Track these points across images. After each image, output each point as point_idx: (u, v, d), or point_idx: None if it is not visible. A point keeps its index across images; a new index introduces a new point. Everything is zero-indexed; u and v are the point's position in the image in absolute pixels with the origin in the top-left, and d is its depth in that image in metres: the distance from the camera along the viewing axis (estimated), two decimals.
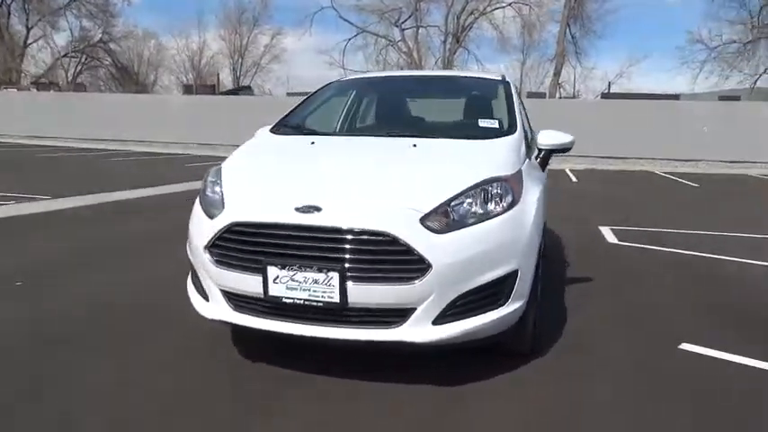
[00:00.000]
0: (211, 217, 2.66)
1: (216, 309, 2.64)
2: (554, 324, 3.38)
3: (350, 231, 2.36)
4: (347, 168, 2.93)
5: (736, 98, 21.14)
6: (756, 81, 28.36)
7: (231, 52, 41.24)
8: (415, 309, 2.38)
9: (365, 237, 2.35)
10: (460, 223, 2.47)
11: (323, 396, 2.53)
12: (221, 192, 2.77)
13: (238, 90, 27.20)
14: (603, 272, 4.67)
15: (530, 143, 3.53)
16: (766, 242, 6.11)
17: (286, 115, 3.89)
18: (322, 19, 65.02)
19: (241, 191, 2.75)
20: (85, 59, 39.64)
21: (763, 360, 2.93)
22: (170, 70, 42.99)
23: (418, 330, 2.39)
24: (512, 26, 34.29)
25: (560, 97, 27.69)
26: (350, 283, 2.34)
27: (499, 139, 3.24)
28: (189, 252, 2.86)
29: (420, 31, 34.30)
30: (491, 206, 2.57)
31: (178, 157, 16.61)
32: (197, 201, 2.91)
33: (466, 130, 3.58)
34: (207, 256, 2.58)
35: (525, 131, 3.57)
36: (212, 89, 27.87)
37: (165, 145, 20.22)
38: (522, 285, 2.60)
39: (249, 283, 2.48)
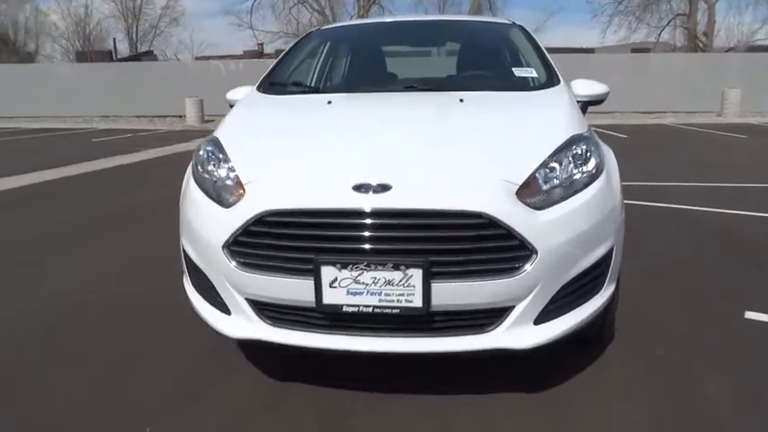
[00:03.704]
0: (225, 204, 2.01)
1: (245, 325, 2.01)
2: None
3: (435, 214, 1.81)
4: (398, 132, 2.28)
5: (647, 50, 22.04)
6: (660, 33, 29.64)
7: (124, 15, 37.68)
8: (513, 307, 1.88)
9: (454, 220, 1.81)
10: (558, 195, 1.95)
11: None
12: (231, 169, 2.10)
13: (140, 56, 24.97)
14: None
15: None
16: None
17: (272, 71, 3.16)
18: None
19: (264, 167, 2.08)
20: None
21: None
22: (53, 38, 38.53)
23: (519, 333, 1.90)
24: None
25: None
26: (433, 282, 1.80)
27: (550, 89, 2.73)
28: (189, 250, 2.18)
29: None
30: (583, 170, 2.05)
31: (80, 133, 14.86)
32: (190, 183, 2.23)
33: (504, 80, 3.02)
34: (226, 257, 1.95)
35: None
36: (109, 56, 25.51)
37: (62, 119, 18.01)
38: (616, 263, 2.13)
39: (293, 290, 1.88)
